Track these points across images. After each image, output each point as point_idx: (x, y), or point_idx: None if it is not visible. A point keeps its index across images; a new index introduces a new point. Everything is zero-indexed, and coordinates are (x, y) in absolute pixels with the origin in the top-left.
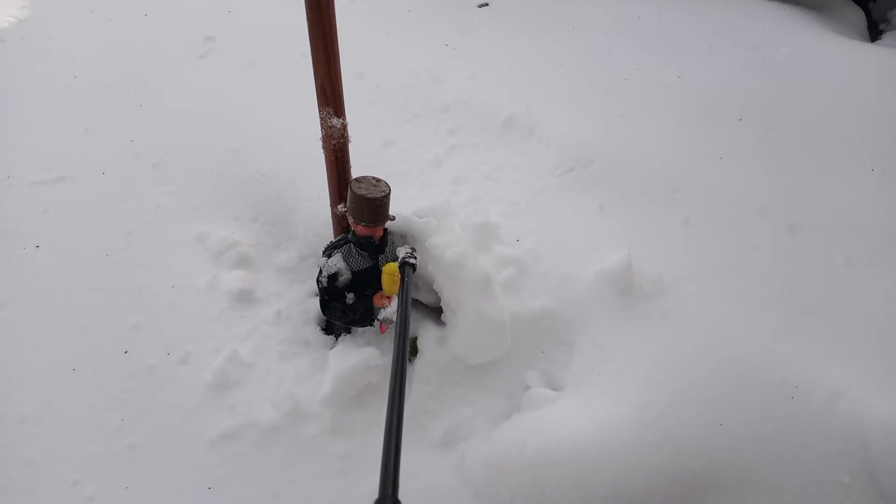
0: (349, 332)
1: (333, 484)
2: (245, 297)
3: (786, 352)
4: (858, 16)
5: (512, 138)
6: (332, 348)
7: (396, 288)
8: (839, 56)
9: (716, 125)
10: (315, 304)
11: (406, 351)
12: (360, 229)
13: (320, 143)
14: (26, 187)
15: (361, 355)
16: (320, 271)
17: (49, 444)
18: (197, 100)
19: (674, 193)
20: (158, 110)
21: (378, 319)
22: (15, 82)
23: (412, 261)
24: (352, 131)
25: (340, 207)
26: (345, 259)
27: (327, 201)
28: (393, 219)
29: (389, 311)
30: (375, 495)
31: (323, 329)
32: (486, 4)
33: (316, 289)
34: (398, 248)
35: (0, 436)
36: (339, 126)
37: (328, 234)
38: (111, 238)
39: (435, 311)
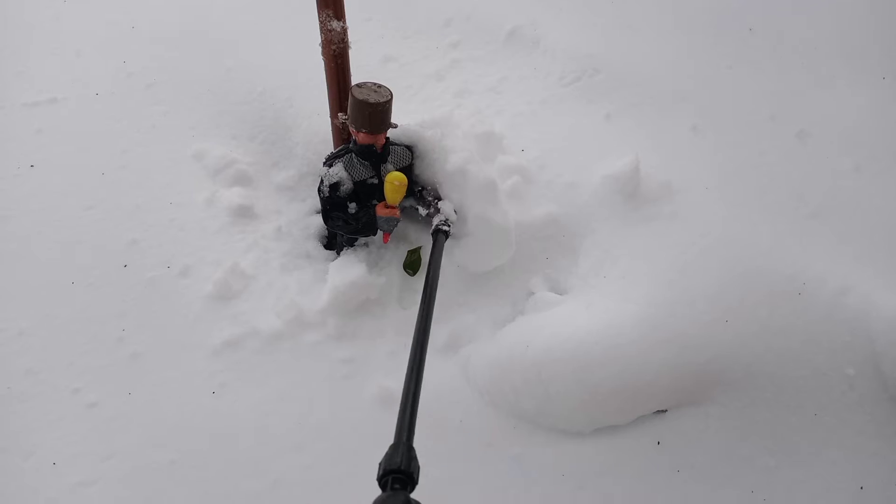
0: (352, 245)
1: (337, 387)
2: (244, 213)
3: (793, 251)
4: None
5: (516, 50)
6: (333, 262)
7: (399, 196)
8: None
9: (725, 35)
10: (316, 221)
11: (431, 308)
12: (362, 137)
13: (320, 49)
14: (18, 109)
15: (361, 270)
16: (321, 181)
17: (48, 355)
18: (191, 20)
19: (682, 102)
20: (151, 31)
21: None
22: (2, 8)
23: (446, 228)
24: (350, 49)
25: (341, 116)
26: (346, 169)
27: (326, 119)
28: (395, 126)
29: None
30: (378, 398)
31: (324, 245)
32: None
33: (317, 206)
34: (434, 217)
35: None
36: (338, 30)
37: (327, 152)
38: (106, 156)
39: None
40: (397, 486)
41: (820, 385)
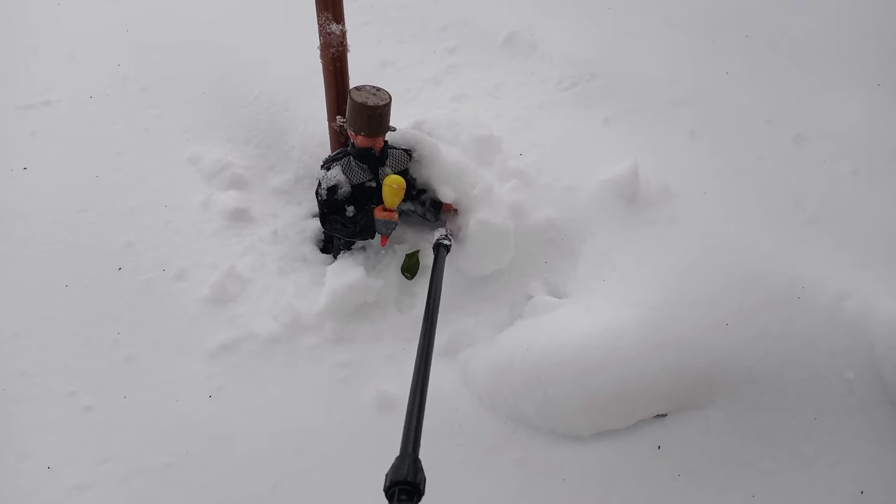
0: (349, 249)
1: (334, 391)
2: (240, 217)
3: (792, 255)
4: None
5: (513, 56)
6: (329, 265)
7: (398, 199)
8: None
9: (721, 41)
10: (312, 224)
11: (434, 321)
12: (360, 140)
13: (317, 53)
14: (12, 111)
15: (358, 274)
16: (319, 184)
17: (43, 358)
18: (186, 25)
19: (680, 107)
20: (146, 36)
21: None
22: None
23: (447, 242)
24: (348, 52)
25: (339, 119)
26: (344, 172)
27: (323, 123)
28: (394, 130)
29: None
30: (376, 402)
31: (321, 249)
32: None
33: (313, 209)
34: (434, 231)
35: None
36: (337, 33)
37: (324, 155)
38: (101, 159)
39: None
40: (404, 497)
41: (820, 389)
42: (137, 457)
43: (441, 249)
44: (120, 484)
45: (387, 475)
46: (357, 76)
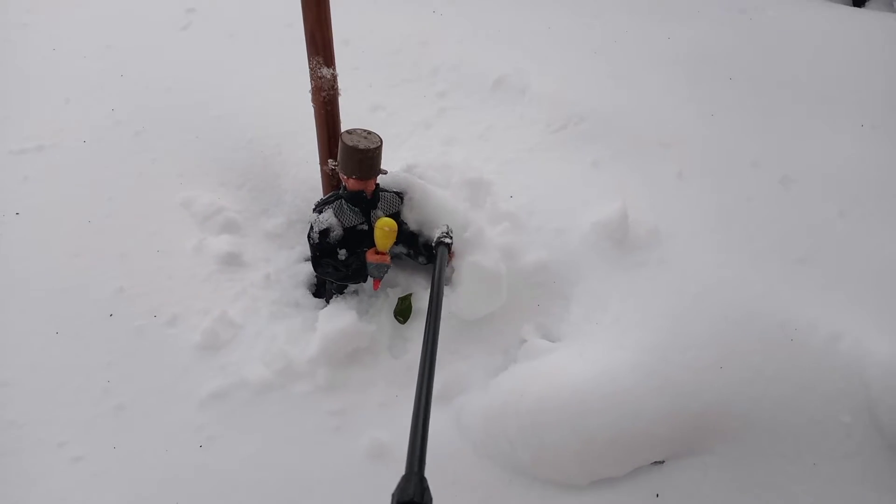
0: (341, 293)
1: (328, 440)
2: (233, 261)
3: (784, 296)
4: None
5: (503, 99)
6: (321, 309)
7: (389, 242)
8: (826, 19)
9: (706, 84)
10: (305, 268)
11: (437, 333)
12: (352, 183)
13: (309, 96)
14: (4, 156)
15: (351, 318)
16: (311, 227)
17: (32, 407)
18: (179, 70)
19: (667, 149)
20: (140, 80)
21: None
22: None
23: (447, 240)
24: (339, 96)
25: (331, 163)
26: (336, 215)
27: (315, 167)
28: (385, 173)
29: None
30: (370, 451)
31: (313, 293)
32: None
33: (306, 253)
34: (434, 228)
35: None
36: (328, 77)
37: (316, 199)
38: (93, 204)
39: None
40: None
41: (817, 433)
42: None
43: (442, 247)
44: None
45: (393, 495)
46: (348, 120)
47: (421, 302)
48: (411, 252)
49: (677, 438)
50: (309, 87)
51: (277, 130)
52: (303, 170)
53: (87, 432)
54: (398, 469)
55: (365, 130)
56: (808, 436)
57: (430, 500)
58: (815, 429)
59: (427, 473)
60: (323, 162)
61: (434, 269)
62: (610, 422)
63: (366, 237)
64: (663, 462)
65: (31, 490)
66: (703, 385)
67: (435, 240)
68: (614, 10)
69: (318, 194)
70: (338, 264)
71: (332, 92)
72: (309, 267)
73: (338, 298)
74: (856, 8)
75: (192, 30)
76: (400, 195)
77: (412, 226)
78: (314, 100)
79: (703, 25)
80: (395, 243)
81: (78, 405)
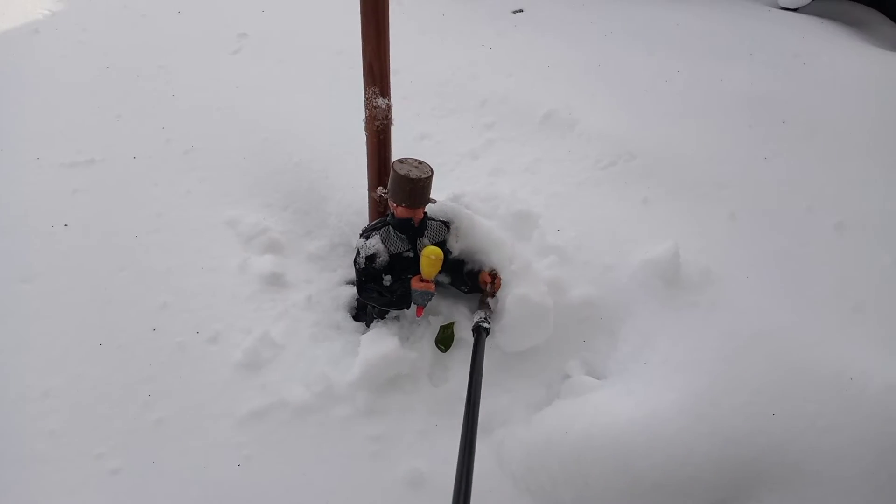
0: (382, 318)
1: (365, 466)
2: (276, 281)
3: (839, 345)
4: (895, 31)
5: (551, 133)
6: (363, 333)
7: (435, 271)
8: (881, 66)
9: (759, 127)
10: (346, 291)
11: (477, 408)
12: (400, 211)
13: (363, 125)
14: (56, 168)
15: (393, 344)
16: (358, 252)
17: (73, 418)
18: (229, 92)
19: (720, 189)
20: (190, 101)
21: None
22: (47, 70)
23: (486, 325)
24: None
25: (380, 190)
26: (383, 241)
27: (360, 191)
28: (434, 202)
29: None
30: (407, 479)
31: (353, 317)
32: (521, 11)
33: (347, 276)
34: (474, 312)
35: (23, 408)
36: (383, 107)
37: (361, 223)
38: (141, 219)
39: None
40: None
41: (870, 486)
42: None
43: (481, 333)
44: None
45: None
46: (396, 146)
47: (463, 331)
48: (455, 281)
49: (725, 485)
50: (357, 113)
51: (324, 154)
52: (348, 194)
53: (125, 445)
54: (435, 499)
55: (416, 160)
56: (861, 488)
57: None
58: (869, 482)
59: None
60: (372, 188)
61: (473, 355)
62: (657, 464)
63: (411, 264)
64: None
65: (68, 500)
66: (755, 432)
67: (474, 323)
68: (666, 50)
69: (364, 218)
70: (382, 290)
71: (385, 121)
72: (350, 290)
73: (378, 324)
74: None
75: (243, 54)
76: (446, 224)
77: (457, 255)
78: (367, 128)
79: (755, 68)
80: (440, 271)
81: (118, 418)
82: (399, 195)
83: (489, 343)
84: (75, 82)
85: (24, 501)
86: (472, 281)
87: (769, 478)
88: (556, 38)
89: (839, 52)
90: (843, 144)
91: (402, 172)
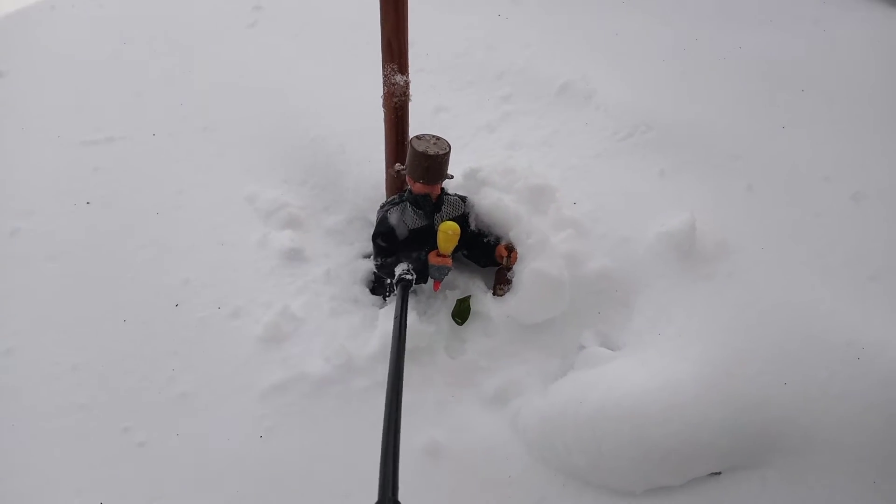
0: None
1: None
2: (295, 256)
3: (853, 314)
4: None
5: (568, 105)
6: (381, 308)
7: (452, 246)
8: None
9: (778, 95)
10: (363, 265)
11: (402, 356)
12: (418, 187)
13: (375, 97)
14: (76, 147)
15: (411, 318)
16: (376, 227)
17: (100, 392)
18: (246, 68)
19: (736, 160)
20: (207, 76)
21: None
22: (64, 46)
23: (408, 276)
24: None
25: (397, 166)
26: (401, 216)
27: (377, 165)
28: (451, 178)
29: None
30: (425, 448)
31: (370, 290)
32: None
33: (364, 250)
34: (396, 266)
35: (53, 382)
36: (401, 83)
37: (378, 198)
38: (161, 196)
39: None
40: None
41: (879, 453)
42: (188, 497)
43: (404, 284)
44: None
45: None
46: (411, 121)
47: (479, 305)
48: (472, 255)
49: (738, 451)
50: (374, 87)
51: (341, 129)
52: (365, 169)
53: (151, 419)
54: (452, 468)
55: (434, 136)
56: (871, 455)
57: None
58: (878, 449)
59: (483, 473)
60: (390, 165)
61: (398, 304)
62: (671, 432)
63: (429, 237)
64: (720, 473)
65: (97, 472)
66: (768, 400)
67: (396, 276)
68: (683, 18)
69: (381, 193)
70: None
71: (403, 98)
72: (367, 264)
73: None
74: None
75: (258, 28)
76: (463, 199)
77: (475, 229)
78: (385, 105)
79: (774, 35)
80: (457, 247)
81: (144, 392)
82: (417, 171)
83: (505, 314)
84: (92, 59)
85: (54, 475)
86: (489, 255)
87: (781, 444)
88: (573, 7)
89: (860, 17)
90: (863, 113)
91: (420, 149)
